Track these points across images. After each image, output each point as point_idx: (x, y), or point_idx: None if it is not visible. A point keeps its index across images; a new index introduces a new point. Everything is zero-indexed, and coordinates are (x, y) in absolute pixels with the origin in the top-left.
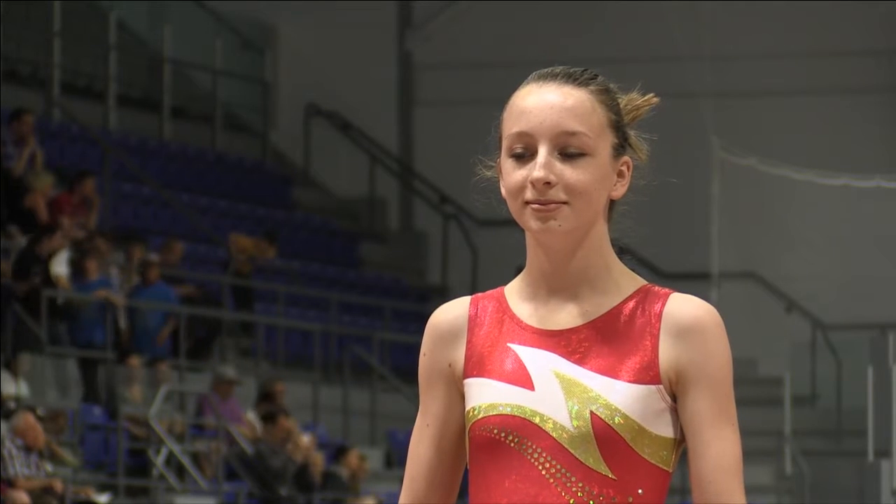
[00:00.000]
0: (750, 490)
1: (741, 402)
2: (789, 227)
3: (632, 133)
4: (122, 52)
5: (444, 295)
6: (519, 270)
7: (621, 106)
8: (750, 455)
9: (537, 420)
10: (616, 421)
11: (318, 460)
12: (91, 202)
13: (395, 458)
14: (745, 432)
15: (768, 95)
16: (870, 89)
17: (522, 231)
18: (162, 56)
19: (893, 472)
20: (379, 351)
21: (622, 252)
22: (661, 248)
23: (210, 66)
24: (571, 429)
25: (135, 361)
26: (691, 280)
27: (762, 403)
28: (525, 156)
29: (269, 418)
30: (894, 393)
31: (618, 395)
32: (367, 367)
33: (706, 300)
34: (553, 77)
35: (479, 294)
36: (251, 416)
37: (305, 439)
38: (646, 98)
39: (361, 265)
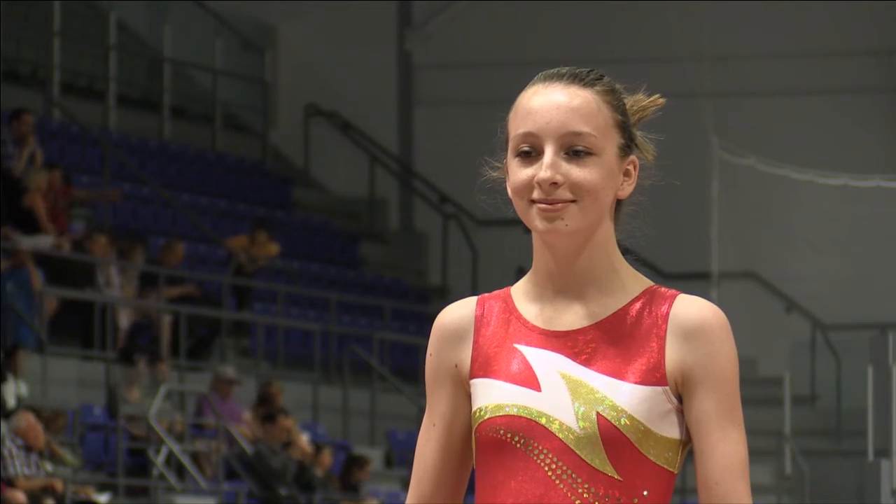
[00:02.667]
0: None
1: (741, 402)
2: (789, 227)
3: (638, 134)
4: (122, 52)
5: (444, 295)
6: (520, 272)
7: (627, 107)
8: (750, 455)
9: (543, 421)
10: (622, 422)
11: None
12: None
13: (395, 458)
14: (746, 432)
15: (768, 95)
16: (870, 89)
17: (523, 231)
18: (162, 56)
19: (893, 472)
20: (379, 351)
21: (625, 252)
22: (661, 249)
23: (210, 66)
24: (577, 430)
25: (141, 362)
26: (691, 280)
27: (762, 403)
28: (531, 155)
29: (268, 418)
30: (894, 393)
31: (624, 396)
32: (367, 367)
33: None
34: (559, 77)
35: (486, 294)
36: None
37: (305, 439)
38: (652, 99)
39: (361, 265)
